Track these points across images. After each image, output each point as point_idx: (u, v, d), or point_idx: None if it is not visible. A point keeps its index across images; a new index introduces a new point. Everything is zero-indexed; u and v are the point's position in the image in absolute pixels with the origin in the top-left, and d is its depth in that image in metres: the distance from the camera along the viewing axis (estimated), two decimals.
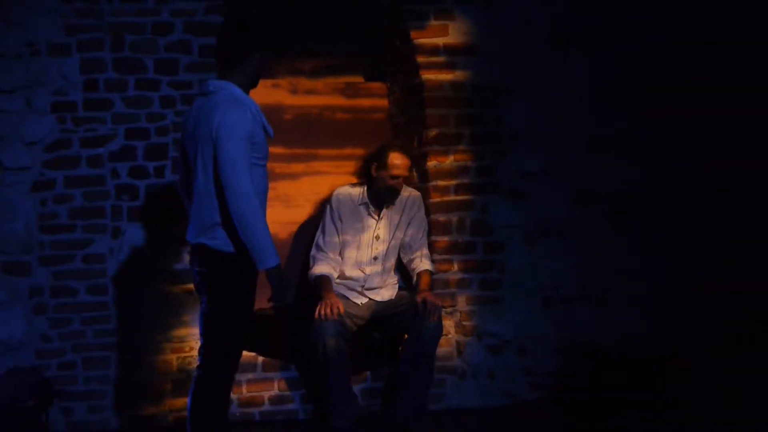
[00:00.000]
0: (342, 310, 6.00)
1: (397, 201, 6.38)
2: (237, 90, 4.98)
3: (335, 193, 6.42)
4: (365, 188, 6.39)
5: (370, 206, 6.35)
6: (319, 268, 6.26)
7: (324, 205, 6.53)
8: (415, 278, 6.34)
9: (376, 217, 6.36)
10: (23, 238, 6.26)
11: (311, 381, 6.45)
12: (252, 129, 4.86)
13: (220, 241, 4.91)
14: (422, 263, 6.35)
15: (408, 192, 6.46)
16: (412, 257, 6.40)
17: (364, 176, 6.40)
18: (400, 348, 6.29)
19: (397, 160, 6.24)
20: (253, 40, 5.04)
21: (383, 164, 6.25)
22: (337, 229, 6.35)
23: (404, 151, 6.34)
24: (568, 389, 6.72)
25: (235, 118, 4.82)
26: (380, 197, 6.33)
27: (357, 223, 6.35)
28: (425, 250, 6.41)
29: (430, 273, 6.35)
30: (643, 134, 6.97)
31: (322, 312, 5.93)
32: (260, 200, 4.91)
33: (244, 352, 6.04)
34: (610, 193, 6.95)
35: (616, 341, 6.81)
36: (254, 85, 5.12)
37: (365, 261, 6.34)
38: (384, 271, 6.36)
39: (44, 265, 6.28)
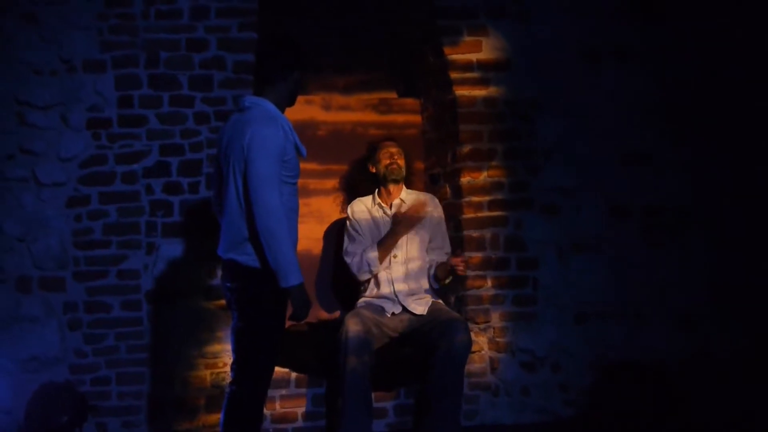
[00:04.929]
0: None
1: (417, 208, 6.38)
2: (272, 107, 5.00)
3: (350, 205, 6.56)
4: (376, 192, 6.53)
5: (383, 206, 6.45)
6: (365, 256, 6.35)
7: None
8: (433, 270, 6.37)
9: (390, 214, 6.42)
10: (58, 254, 6.29)
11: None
12: (283, 146, 4.87)
13: (250, 256, 4.92)
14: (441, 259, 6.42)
15: (428, 202, 6.47)
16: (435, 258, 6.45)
17: (370, 181, 6.54)
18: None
19: (385, 146, 6.52)
20: (292, 59, 5.06)
21: (376, 155, 6.53)
22: (360, 234, 6.42)
23: (389, 140, 6.64)
24: (602, 406, 6.67)
25: (266, 134, 4.83)
26: (386, 183, 6.47)
27: (374, 227, 6.43)
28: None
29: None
30: (678, 148, 6.93)
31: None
32: (290, 217, 4.92)
33: (277, 368, 6.08)
34: (644, 208, 6.91)
35: (650, 357, 6.76)
36: (291, 103, 5.14)
37: (387, 261, 6.34)
38: (407, 270, 6.35)
39: (79, 280, 6.30)
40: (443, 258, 6.36)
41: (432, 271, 6.35)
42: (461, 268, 6.11)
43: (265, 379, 5.02)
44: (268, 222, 4.77)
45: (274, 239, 4.78)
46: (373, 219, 6.44)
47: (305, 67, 5.13)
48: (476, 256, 6.70)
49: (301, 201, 5.18)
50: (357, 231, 6.43)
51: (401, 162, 6.48)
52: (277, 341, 5.00)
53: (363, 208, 6.49)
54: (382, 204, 6.47)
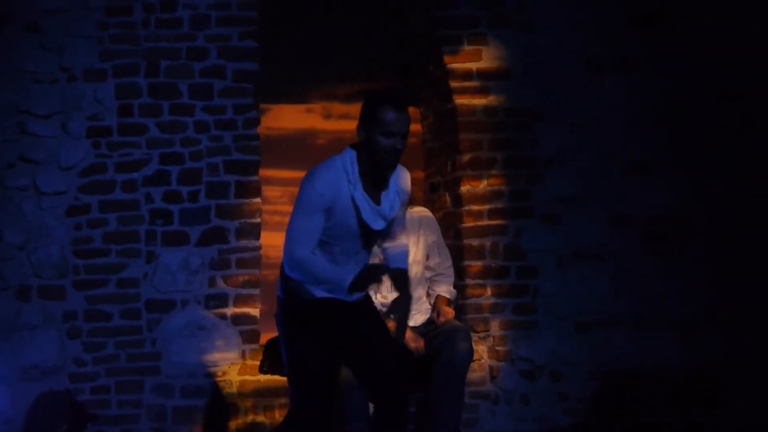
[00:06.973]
0: (422, 345, 6.04)
1: (409, 222, 6.26)
2: (341, 160, 4.74)
3: None
4: None
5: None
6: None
7: None
8: (432, 300, 6.31)
9: None
10: (58, 263, 6.29)
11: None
12: (316, 203, 4.65)
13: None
14: (440, 287, 6.32)
15: (419, 212, 6.33)
16: (435, 278, 6.37)
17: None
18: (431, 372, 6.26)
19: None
20: (363, 118, 4.75)
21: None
22: None
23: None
24: (602, 415, 6.67)
25: (301, 186, 4.70)
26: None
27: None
28: (450, 273, 6.38)
29: (448, 300, 6.30)
30: (680, 159, 6.92)
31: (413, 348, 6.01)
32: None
33: (278, 377, 6.07)
34: (646, 218, 6.89)
35: (651, 366, 6.75)
36: (376, 164, 4.73)
37: (386, 288, 6.28)
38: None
39: (78, 289, 6.31)
40: (440, 281, 6.32)
41: (432, 301, 6.30)
42: (436, 319, 6.11)
43: (301, 396, 4.92)
44: (296, 271, 4.71)
45: (308, 274, 4.72)
46: None
47: (373, 127, 4.65)
48: (476, 264, 6.69)
49: None
50: None
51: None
52: (298, 362, 4.90)
53: None
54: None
